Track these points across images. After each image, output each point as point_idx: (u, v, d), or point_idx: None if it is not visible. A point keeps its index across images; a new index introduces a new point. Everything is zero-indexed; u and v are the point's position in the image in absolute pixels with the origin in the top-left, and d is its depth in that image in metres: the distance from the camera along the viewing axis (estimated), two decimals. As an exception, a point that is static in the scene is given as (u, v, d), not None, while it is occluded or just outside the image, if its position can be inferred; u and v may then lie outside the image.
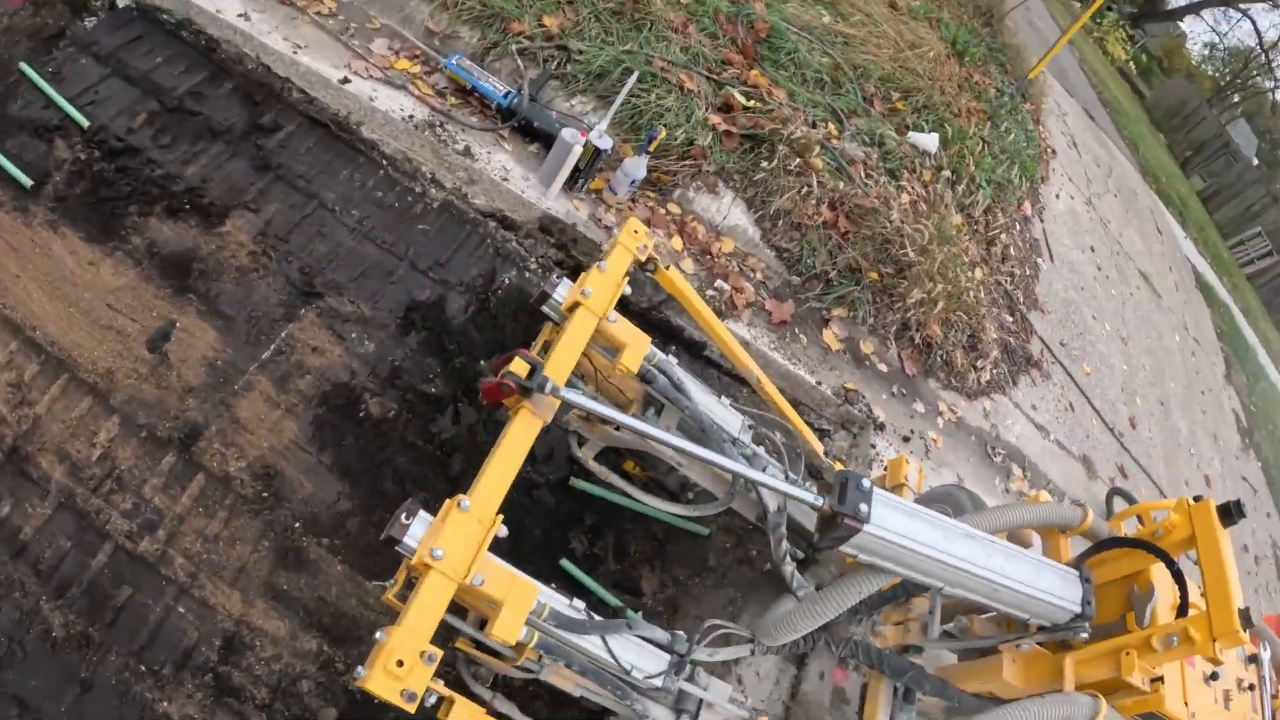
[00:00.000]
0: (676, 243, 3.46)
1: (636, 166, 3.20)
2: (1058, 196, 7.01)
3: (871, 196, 3.99)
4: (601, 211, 3.27)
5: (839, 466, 3.03)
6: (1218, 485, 7.49)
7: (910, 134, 4.76)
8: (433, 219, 2.99)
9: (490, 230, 3.10)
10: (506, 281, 3.03)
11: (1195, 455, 7.15)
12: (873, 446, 3.70)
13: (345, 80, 2.95)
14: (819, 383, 3.64)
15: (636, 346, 2.23)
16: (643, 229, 2.37)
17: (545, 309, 2.25)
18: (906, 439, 3.89)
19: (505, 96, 3.18)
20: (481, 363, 2.65)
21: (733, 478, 2.46)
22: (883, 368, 4.03)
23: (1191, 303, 10.24)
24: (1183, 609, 2.32)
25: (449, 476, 2.52)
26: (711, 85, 3.78)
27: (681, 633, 2.20)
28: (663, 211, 3.49)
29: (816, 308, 3.86)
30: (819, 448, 2.96)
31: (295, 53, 2.92)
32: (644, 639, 2.12)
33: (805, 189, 3.75)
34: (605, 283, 2.18)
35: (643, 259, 2.35)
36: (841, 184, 3.91)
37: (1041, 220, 6.34)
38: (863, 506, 1.98)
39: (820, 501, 2.03)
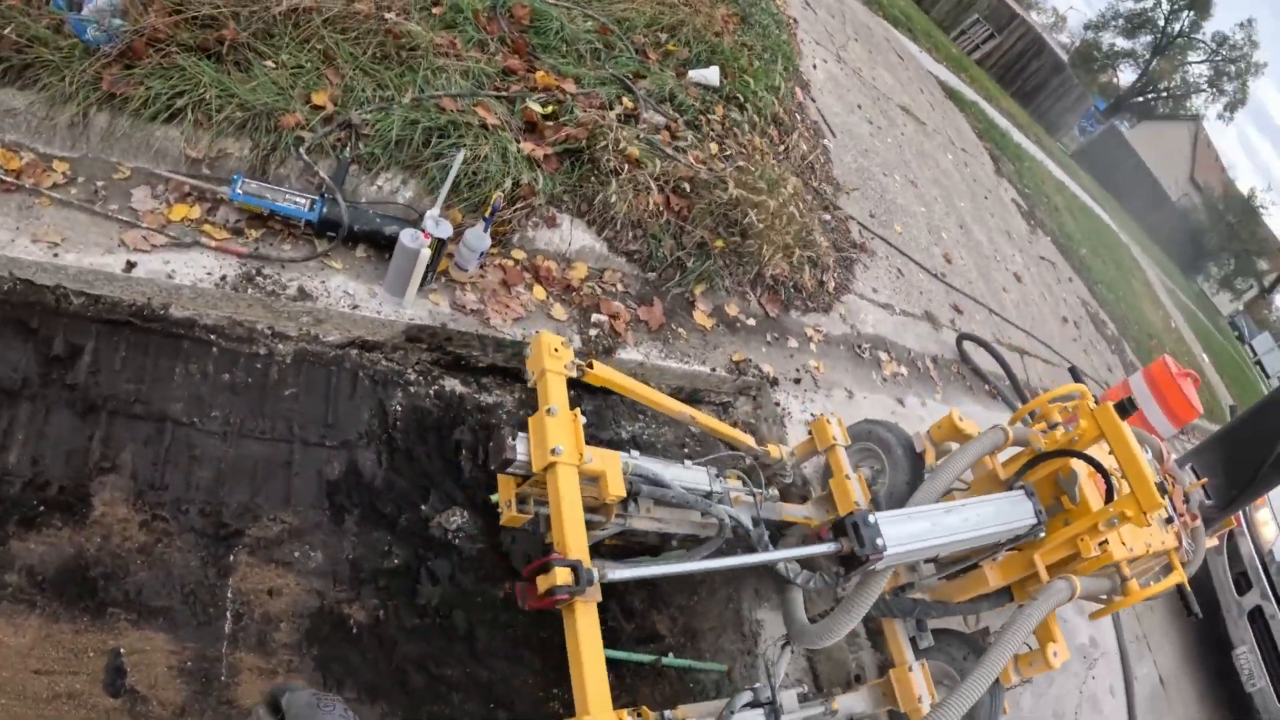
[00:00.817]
0: (539, 292, 3.34)
1: (479, 240, 3.02)
2: (815, 66, 7.32)
3: (690, 163, 4.00)
4: (460, 294, 3.08)
5: (774, 451, 3.20)
6: (1026, 277, 8.47)
7: (690, 74, 4.75)
8: (294, 377, 2.70)
9: (356, 360, 2.85)
10: (399, 409, 2.83)
11: (1000, 259, 8.04)
12: (776, 404, 3.88)
13: (130, 265, 2.52)
14: (713, 369, 3.74)
15: (612, 469, 2.20)
16: (558, 342, 2.29)
17: (510, 471, 2.15)
18: (797, 380, 4.11)
19: (310, 209, 2.85)
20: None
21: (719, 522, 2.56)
22: (751, 322, 4.18)
23: (947, 114, 11.20)
24: (1109, 494, 2.74)
25: (460, 637, 2.43)
26: (506, 105, 3.57)
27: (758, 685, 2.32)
28: (512, 263, 3.34)
29: (680, 293, 3.91)
30: (753, 444, 3.09)
31: (55, 254, 2.45)
32: None
33: (633, 184, 3.69)
34: (564, 426, 2.11)
35: (573, 374, 2.28)
36: (659, 162, 3.88)
37: (812, 99, 6.62)
38: (878, 541, 2.14)
39: (838, 547, 2.17)
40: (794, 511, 3.11)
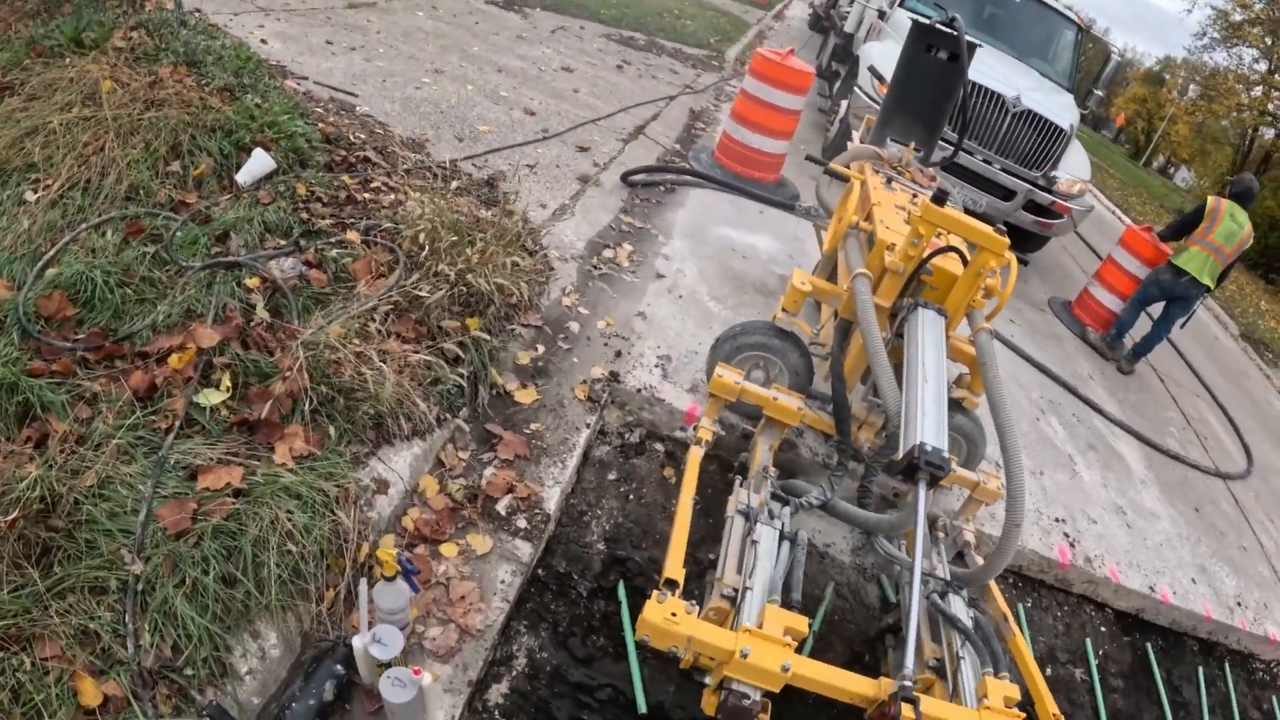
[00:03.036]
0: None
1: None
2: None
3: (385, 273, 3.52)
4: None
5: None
6: (570, 62, 8.56)
7: (240, 176, 3.92)
8: None
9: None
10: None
11: (543, 67, 8.05)
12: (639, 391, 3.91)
13: None
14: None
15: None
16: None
17: None
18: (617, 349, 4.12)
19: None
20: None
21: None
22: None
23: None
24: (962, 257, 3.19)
25: None
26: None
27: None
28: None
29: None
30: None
31: None
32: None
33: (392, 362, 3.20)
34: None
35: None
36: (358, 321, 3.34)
37: (314, 83, 5.86)
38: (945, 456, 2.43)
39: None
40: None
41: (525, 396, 3.60)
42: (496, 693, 2.65)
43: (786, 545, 2.72)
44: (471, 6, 10.02)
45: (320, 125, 4.67)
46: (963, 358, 3.40)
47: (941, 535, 3.68)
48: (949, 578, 3.00)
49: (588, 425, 3.61)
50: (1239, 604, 4.72)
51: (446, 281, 3.60)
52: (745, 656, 2.12)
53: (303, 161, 4.19)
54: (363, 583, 2.21)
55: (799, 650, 2.35)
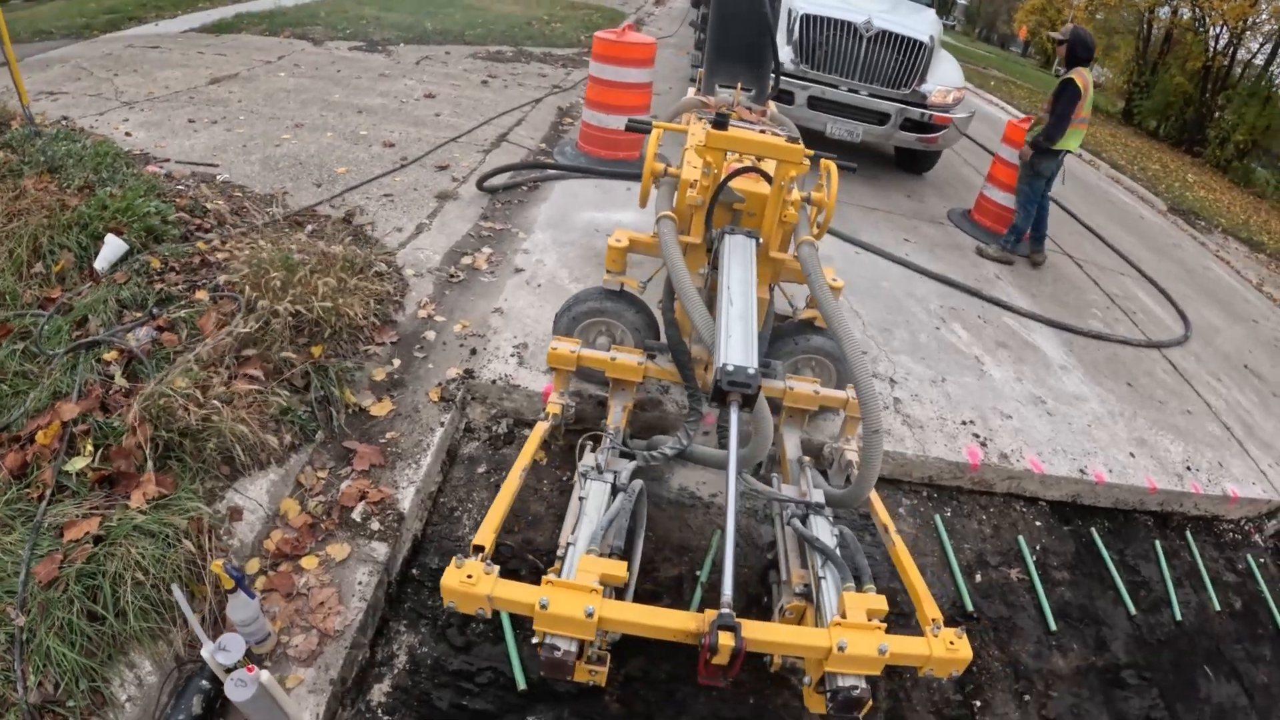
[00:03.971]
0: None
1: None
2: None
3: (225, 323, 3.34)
4: None
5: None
6: (433, 89, 8.42)
7: (99, 264, 3.82)
8: None
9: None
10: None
11: (405, 98, 7.91)
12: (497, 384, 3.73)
13: None
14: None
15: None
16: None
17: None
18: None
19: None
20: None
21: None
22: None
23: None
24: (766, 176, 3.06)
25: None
26: None
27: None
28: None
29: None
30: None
31: None
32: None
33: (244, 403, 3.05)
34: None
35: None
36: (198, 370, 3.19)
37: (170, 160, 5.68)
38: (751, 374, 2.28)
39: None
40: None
41: (380, 409, 3.59)
42: (379, 692, 2.71)
43: (620, 498, 2.56)
44: (334, 56, 9.89)
45: (177, 201, 4.65)
46: (799, 276, 3.26)
47: (827, 462, 3.54)
48: (823, 501, 2.84)
49: (442, 424, 3.54)
50: (1189, 469, 4.56)
51: (274, 315, 3.59)
52: (545, 608, 1.99)
53: (157, 237, 4.20)
54: (175, 589, 2.26)
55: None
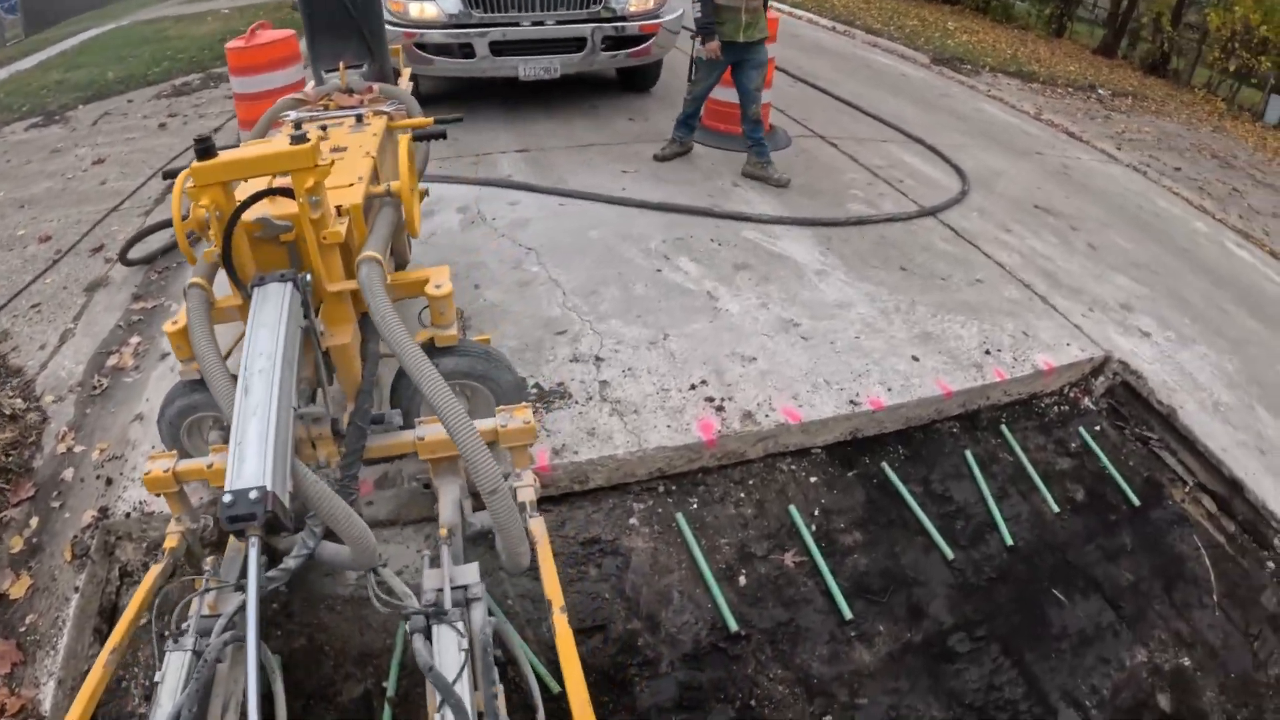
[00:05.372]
0: None
1: None
2: None
3: None
4: None
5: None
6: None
7: None
8: None
9: None
10: None
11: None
12: None
13: None
14: None
15: None
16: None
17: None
18: None
19: None
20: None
21: None
22: None
23: None
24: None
25: None
26: None
27: None
28: None
29: None
30: None
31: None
32: None
33: None
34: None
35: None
36: None
37: None
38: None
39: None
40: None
41: (19, 589, 2.87)
42: None
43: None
44: (8, 144, 8.31)
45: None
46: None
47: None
48: (474, 580, 2.16)
49: (77, 589, 2.74)
50: (989, 352, 3.84)
51: None
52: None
53: None
54: None
55: None
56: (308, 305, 2.27)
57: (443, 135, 3.15)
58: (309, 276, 2.29)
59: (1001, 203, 5.69)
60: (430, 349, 2.67)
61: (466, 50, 6.20)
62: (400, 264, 3.91)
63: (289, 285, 2.19)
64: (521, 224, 4.70)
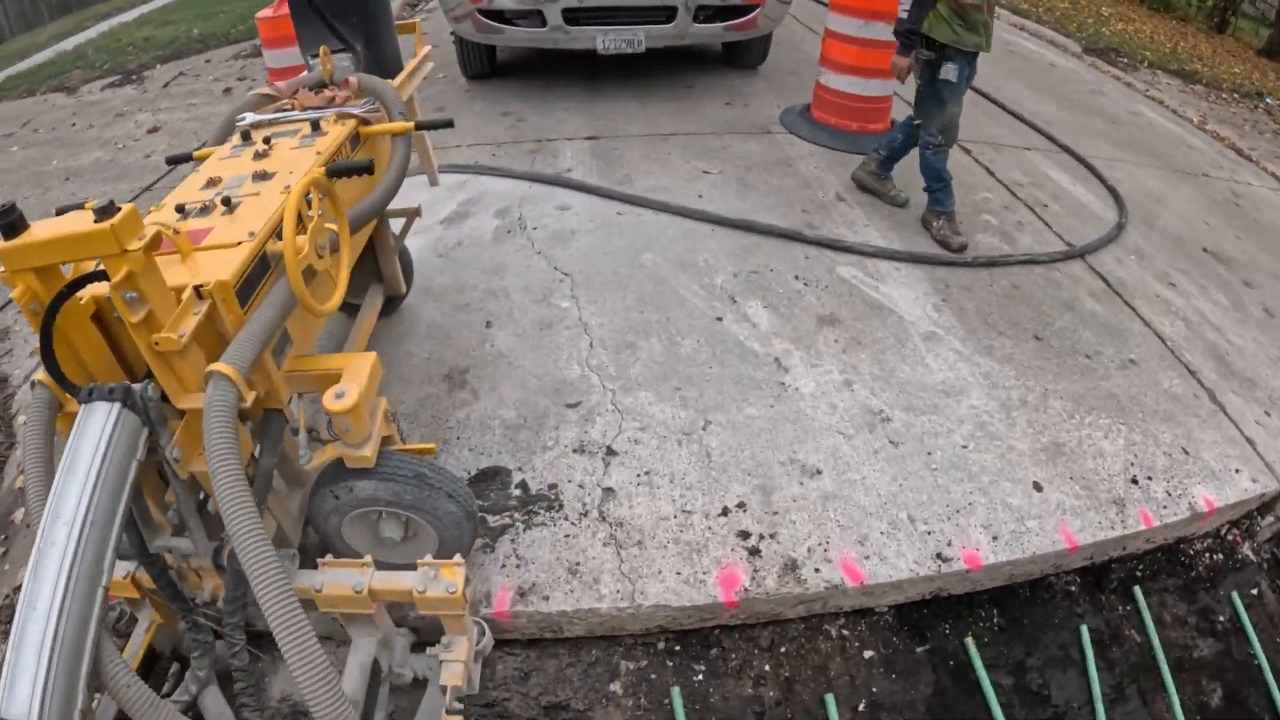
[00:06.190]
0: None
1: None
2: None
3: None
4: None
5: None
6: None
7: None
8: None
9: None
10: None
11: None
12: None
13: None
14: None
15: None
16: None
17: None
18: None
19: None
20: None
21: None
22: None
23: None
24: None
25: None
26: None
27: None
28: None
29: None
30: None
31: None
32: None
33: None
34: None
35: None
36: None
37: None
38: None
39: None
40: None
41: None
42: None
43: None
44: (82, 104, 8.21)
45: None
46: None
47: None
48: None
49: None
50: (1135, 480, 2.79)
51: None
52: None
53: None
54: None
55: None
56: (155, 427, 1.56)
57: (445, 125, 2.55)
58: (151, 389, 1.56)
59: (1164, 242, 4.47)
60: (344, 469, 1.92)
61: (536, 19, 5.38)
62: (392, 294, 3.18)
63: (116, 407, 1.48)
64: (564, 238, 3.89)
